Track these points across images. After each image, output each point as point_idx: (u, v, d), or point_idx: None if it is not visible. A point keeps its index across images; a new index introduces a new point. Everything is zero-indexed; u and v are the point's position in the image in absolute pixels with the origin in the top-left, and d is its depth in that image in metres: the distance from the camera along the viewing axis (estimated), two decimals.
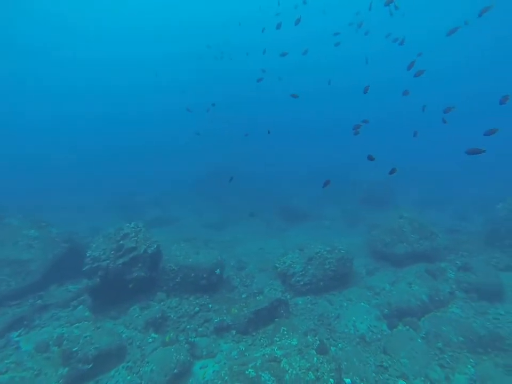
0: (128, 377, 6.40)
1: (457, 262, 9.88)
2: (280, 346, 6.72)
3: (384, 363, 6.51)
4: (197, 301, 9.00)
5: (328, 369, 5.90)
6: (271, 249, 14.38)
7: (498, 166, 26.82)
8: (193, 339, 7.60)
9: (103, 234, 9.35)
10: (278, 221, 19.13)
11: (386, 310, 8.29)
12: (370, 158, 7.94)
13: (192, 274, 9.34)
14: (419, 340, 7.06)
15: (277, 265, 10.72)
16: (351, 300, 9.26)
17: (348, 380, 6.05)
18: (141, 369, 6.50)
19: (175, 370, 6.32)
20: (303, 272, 9.92)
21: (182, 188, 27.70)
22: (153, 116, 59.67)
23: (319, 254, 10.23)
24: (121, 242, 8.98)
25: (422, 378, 6.15)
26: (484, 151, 5.71)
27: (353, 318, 8.36)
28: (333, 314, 8.58)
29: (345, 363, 6.58)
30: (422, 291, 8.51)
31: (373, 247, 11.72)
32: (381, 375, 6.22)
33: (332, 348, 7.20)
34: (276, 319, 7.94)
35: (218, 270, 9.75)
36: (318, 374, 5.82)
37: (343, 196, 20.97)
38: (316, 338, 7.18)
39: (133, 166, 38.52)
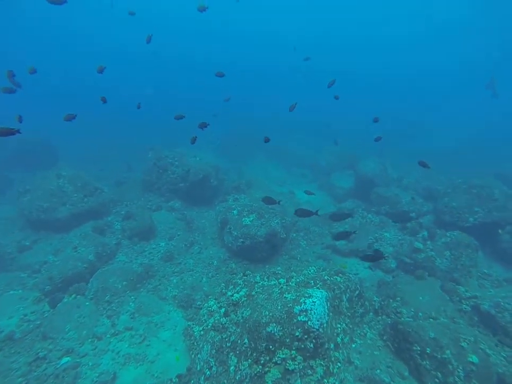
0: None
1: (122, 212, 10.65)
2: None
3: (40, 352, 5.60)
4: None
5: None
6: None
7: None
8: None
9: None
10: None
11: (48, 287, 7.21)
12: None
13: None
14: (87, 303, 6.88)
15: None
16: None
17: None
18: None
19: None
20: None
21: None
22: None
23: None
24: None
25: (90, 340, 6.11)
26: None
27: None
28: None
29: None
30: (88, 251, 8.28)
31: (28, 217, 9.56)
32: (35, 371, 5.29)
33: None
34: None
35: None
36: None
37: None
38: None
39: None
